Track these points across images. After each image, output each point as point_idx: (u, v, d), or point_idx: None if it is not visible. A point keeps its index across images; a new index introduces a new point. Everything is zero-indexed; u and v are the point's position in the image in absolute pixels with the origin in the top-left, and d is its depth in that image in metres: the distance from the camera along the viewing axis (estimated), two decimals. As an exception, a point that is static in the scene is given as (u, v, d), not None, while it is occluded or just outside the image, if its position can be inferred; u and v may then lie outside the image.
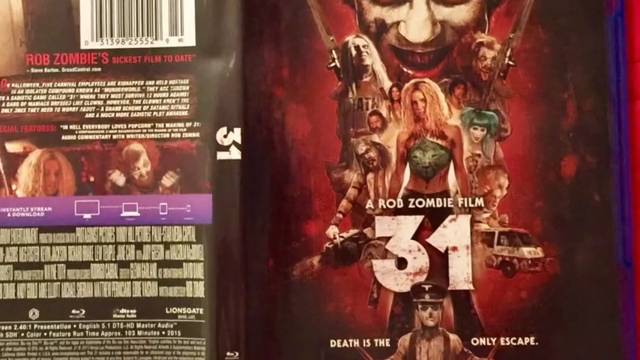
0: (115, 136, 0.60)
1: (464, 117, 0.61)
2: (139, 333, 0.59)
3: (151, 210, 0.59)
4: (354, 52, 0.61)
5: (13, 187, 0.60)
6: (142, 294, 0.59)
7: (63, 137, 0.60)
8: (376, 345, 0.60)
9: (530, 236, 0.60)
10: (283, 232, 0.60)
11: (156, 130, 0.60)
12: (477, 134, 0.61)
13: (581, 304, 0.59)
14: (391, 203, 0.61)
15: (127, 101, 0.60)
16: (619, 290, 0.59)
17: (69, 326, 0.59)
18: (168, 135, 0.60)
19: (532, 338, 0.59)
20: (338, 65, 0.61)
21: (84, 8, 0.61)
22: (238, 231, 0.58)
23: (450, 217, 0.60)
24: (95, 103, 0.60)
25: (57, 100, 0.60)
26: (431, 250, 0.60)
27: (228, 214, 0.58)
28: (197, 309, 0.58)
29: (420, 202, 0.61)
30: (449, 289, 0.60)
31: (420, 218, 0.60)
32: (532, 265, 0.60)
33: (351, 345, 0.60)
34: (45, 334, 0.59)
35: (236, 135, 0.58)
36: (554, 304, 0.59)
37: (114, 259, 0.60)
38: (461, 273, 0.60)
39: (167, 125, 0.60)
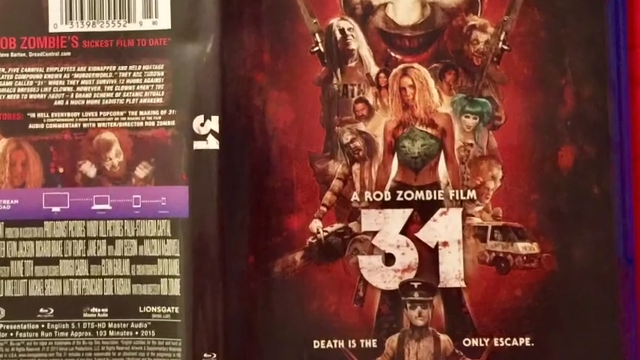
0: (85, 125, 0.59)
1: (455, 104, 0.60)
2: (111, 333, 0.58)
3: (123, 203, 0.59)
4: (338, 36, 0.60)
5: (-22, 178, 0.59)
6: (113, 292, 0.58)
7: (30, 126, 0.59)
8: (362, 346, 0.59)
9: (526, 231, 0.59)
10: (263, 227, 0.59)
11: (129, 119, 0.59)
12: (469, 123, 0.60)
13: (580, 303, 0.58)
14: (378, 196, 0.60)
15: (98, 88, 0.59)
16: (619, 288, 0.58)
17: (36, 326, 0.58)
18: (141, 123, 0.59)
19: (527, 339, 0.59)
20: (322, 49, 0.60)
21: (53, -11, 0.59)
22: (216, 225, 0.57)
23: (441, 210, 0.59)
24: (64, 89, 0.59)
25: (24, 87, 0.59)
26: (420, 245, 0.59)
27: (205, 207, 0.57)
28: (172, 308, 0.58)
29: (409, 195, 0.60)
30: (439, 286, 0.59)
31: (408, 212, 0.59)
32: (527, 262, 0.59)
33: (335, 346, 0.59)
34: (11, 334, 0.58)
35: (214, 123, 0.58)
36: (550, 302, 0.58)
37: (84, 255, 0.59)
38: (452, 270, 0.59)
39: (141, 113, 0.59)
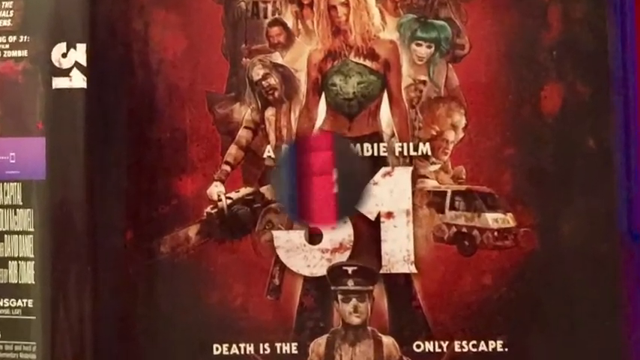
0: None
1: (403, 28, 0.56)
2: (-60, 335, 0.57)
3: (-43, 160, 0.58)
4: None
5: None
6: (-56, 279, 0.57)
7: None
8: (278, 351, 0.55)
9: (497, 197, 0.55)
10: (146, 192, 0.55)
11: (-35, 47, 0.58)
12: (422, 53, 0.56)
13: (569, 293, 0.54)
14: (300, 151, 0.58)
15: None
16: (622, 273, 0.54)
17: None
18: (-18, 54, 0.58)
19: (500, 342, 0.54)
20: (223, -47, 0.59)
21: None
22: (83, 190, 0.54)
23: (384, 170, 0.55)
24: None
25: None
26: (356, 217, 0.56)
27: (68, 165, 0.54)
28: (24, 300, 0.55)
29: (341, 150, 0.58)
30: (381, 272, 0.55)
31: (339, 172, 0.58)
32: (499, 239, 0.55)
33: (242, 351, 0.55)
34: None
35: (79, 54, 0.54)
36: (529, 291, 0.54)
37: None
38: (398, 250, 0.55)
39: (-19, 40, 0.58)
